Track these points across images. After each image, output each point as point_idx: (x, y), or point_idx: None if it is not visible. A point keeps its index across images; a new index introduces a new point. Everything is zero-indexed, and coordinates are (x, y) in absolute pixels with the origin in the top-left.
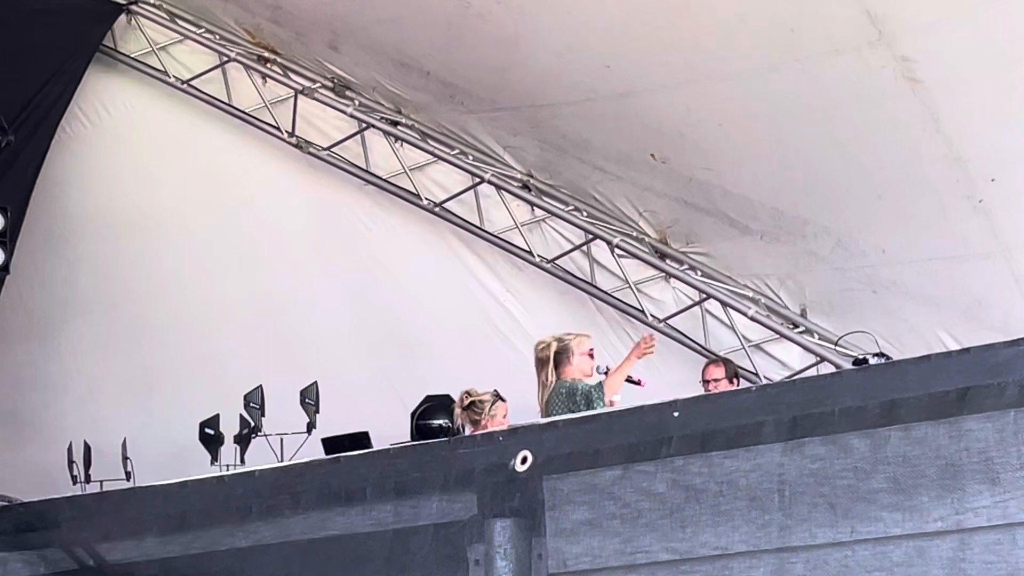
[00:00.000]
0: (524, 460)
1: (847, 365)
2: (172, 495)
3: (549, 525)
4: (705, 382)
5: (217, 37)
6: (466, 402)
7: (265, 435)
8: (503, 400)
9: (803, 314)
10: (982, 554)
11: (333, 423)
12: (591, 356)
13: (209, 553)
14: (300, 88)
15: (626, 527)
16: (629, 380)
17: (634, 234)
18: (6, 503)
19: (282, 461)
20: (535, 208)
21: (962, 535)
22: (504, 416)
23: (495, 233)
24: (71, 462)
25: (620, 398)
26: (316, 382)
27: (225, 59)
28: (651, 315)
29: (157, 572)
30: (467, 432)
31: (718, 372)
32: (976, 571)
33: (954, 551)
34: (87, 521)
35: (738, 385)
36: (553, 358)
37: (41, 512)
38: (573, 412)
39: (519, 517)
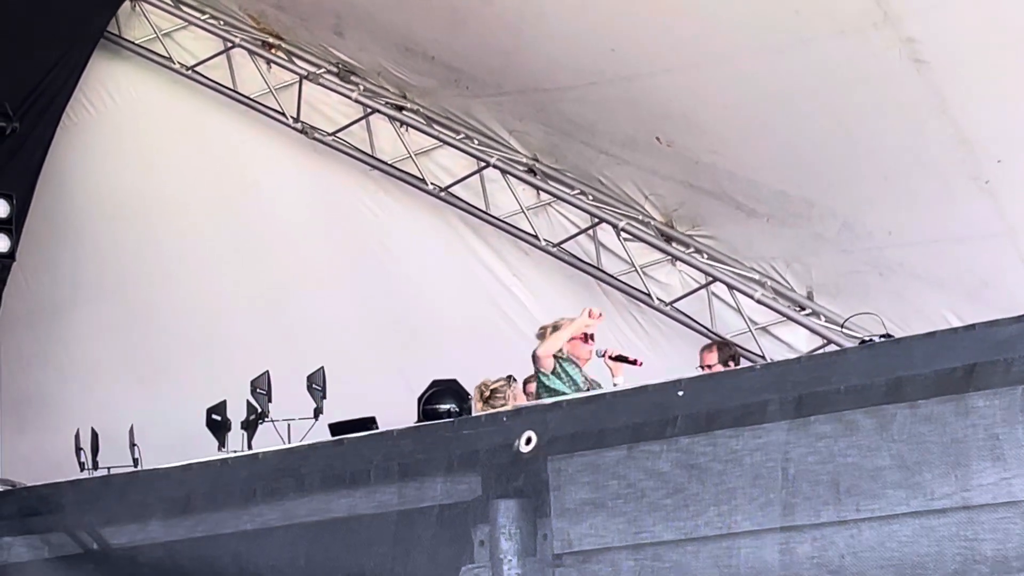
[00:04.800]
0: (528, 441)
1: None
2: (176, 478)
3: (554, 505)
4: (701, 368)
5: (222, 23)
6: (487, 393)
7: (272, 421)
8: (516, 380)
9: (809, 296)
10: (991, 532)
11: (340, 408)
12: (585, 340)
13: (213, 536)
14: (305, 73)
15: (631, 507)
16: (624, 360)
17: (640, 217)
18: (10, 487)
19: None
20: (541, 192)
21: (969, 512)
22: (516, 398)
23: (501, 217)
24: (78, 449)
25: (623, 379)
26: (323, 367)
27: (230, 45)
28: (657, 298)
29: (161, 555)
30: None
31: (711, 358)
32: (986, 548)
33: (962, 528)
34: (91, 505)
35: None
36: None
37: (45, 496)
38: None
39: (524, 498)
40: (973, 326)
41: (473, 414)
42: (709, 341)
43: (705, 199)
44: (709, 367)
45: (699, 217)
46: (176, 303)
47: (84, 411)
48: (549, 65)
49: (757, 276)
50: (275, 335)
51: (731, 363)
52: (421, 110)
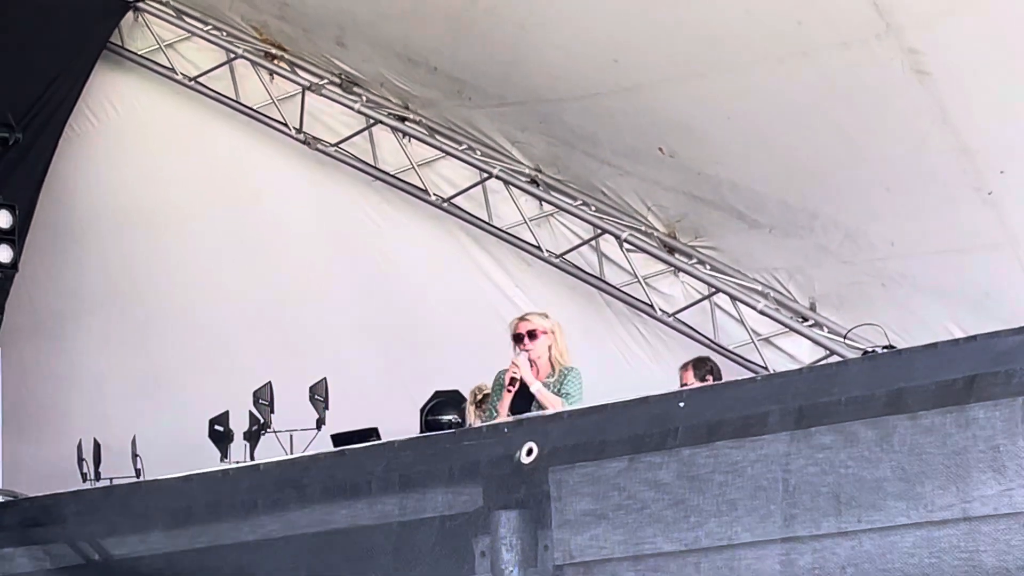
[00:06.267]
0: (530, 452)
1: None
2: (177, 489)
3: (555, 516)
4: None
5: (224, 34)
6: (479, 397)
7: (275, 431)
8: None
9: (812, 307)
10: (992, 543)
11: (343, 419)
12: (515, 340)
13: (215, 547)
14: (307, 84)
15: (632, 518)
16: (511, 383)
17: (643, 228)
18: (12, 498)
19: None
20: (543, 203)
21: (970, 523)
22: None
23: (503, 228)
24: (81, 459)
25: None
26: (325, 378)
27: (232, 56)
28: (660, 309)
29: (163, 566)
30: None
31: (688, 377)
32: (987, 560)
33: (963, 540)
34: (92, 516)
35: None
36: None
37: (46, 507)
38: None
39: (525, 509)
40: (974, 338)
41: (467, 419)
42: (716, 352)
43: (708, 210)
44: (686, 386)
45: (702, 228)
46: (178, 314)
47: (86, 422)
48: (552, 76)
49: (760, 287)
50: (278, 346)
51: (709, 378)
52: (424, 121)
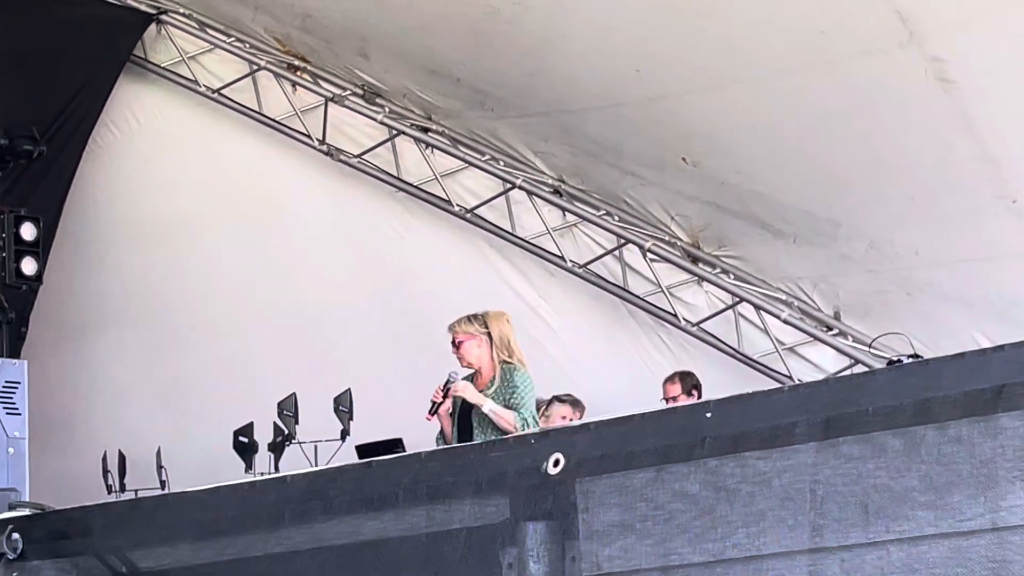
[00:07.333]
0: (556, 463)
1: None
2: (204, 501)
3: (582, 528)
4: (664, 400)
5: (247, 46)
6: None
7: (299, 443)
8: (562, 402)
9: (837, 317)
10: (1020, 553)
11: (367, 430)
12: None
13: (242, 559)
14: (330, 96)
15: (659, 529)
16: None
17: (666, 238)
18: (39, 511)
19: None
20: (567, 213)
21: (999, 534)
22: (563, 419)
23: (527, 239)
24: (106, 471)
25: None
26: (349, 389)
27: (255, 68)
28: (684, 319)
29: None
30: None
31: (674, 389)
32: (1015, 570)
33: (991, 550)
34: (119, 528)
35: (698, 398)
36: None
37: (73, 520)
38: None
39: (552, 520)
40: (1002, 347)
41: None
42: (741, 361)
43: (731, 219)
44: (674, 398)
45: (725, 237)
46: (202, 325)
47: (111, 434)
48: (574, 86)
49: (784, 296)
50: (302, 357)
51: (695, 392)
52: (447, 132)
